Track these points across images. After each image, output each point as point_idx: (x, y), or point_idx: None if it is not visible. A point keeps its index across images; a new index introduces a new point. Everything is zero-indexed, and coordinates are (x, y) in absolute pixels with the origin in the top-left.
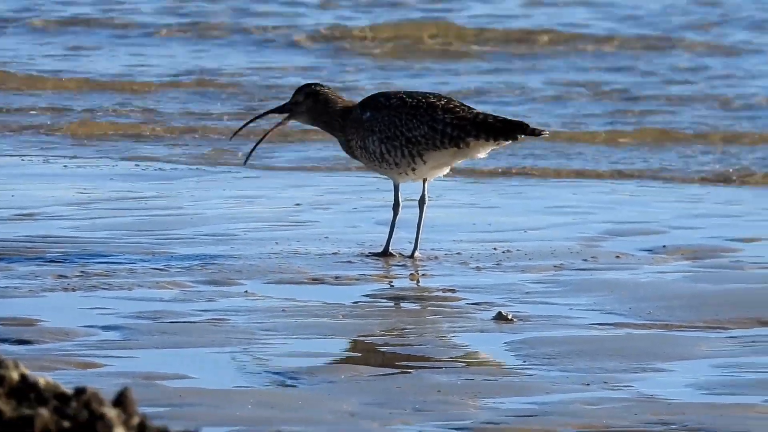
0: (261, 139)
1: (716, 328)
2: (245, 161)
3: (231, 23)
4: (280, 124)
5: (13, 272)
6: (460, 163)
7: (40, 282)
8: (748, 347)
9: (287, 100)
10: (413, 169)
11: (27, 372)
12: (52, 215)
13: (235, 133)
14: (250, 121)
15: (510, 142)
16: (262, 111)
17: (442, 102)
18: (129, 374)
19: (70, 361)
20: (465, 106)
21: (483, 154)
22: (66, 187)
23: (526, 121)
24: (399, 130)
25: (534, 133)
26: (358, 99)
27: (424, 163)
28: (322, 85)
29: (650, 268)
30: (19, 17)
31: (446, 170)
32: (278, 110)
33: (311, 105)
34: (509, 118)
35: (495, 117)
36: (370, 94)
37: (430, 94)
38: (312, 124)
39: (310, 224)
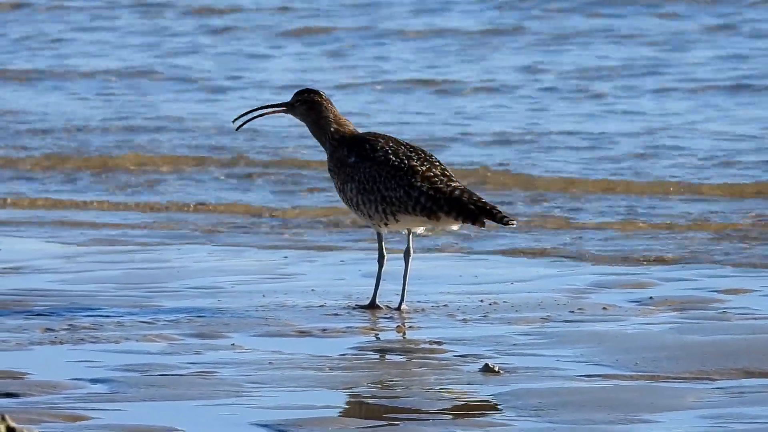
0: (257, 114)
1: (703, 379)
2: (237, 127)
3: None
4: (277, 111)
5: (1, 325)
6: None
7: (27, 335)
8: (735, 398)
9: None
10: (386, 224)
11: (14, 425)
12: (38, 268)
13: (239, 125)
14: (250, 112)
15: (477, 226)
16: (262, 105)
17: (424, 167)
18: (116, 427)
19: (58, 414)
20: (447, 174)
21: (456, 227)
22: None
23: (499, 207)
24: (377, 186)
25: (502, 221)
26: (355, 123)
27: (397, 221)
28: (320, 96)
29: (637, 319)
30: None
31: (422, 228)
32: (277, 106)
33: (304, 111)
34: (482, 201)
35: (470, 197)
36: (365, 131)
37: (417, 152)
38: (305, 123)
39: (297, 277)
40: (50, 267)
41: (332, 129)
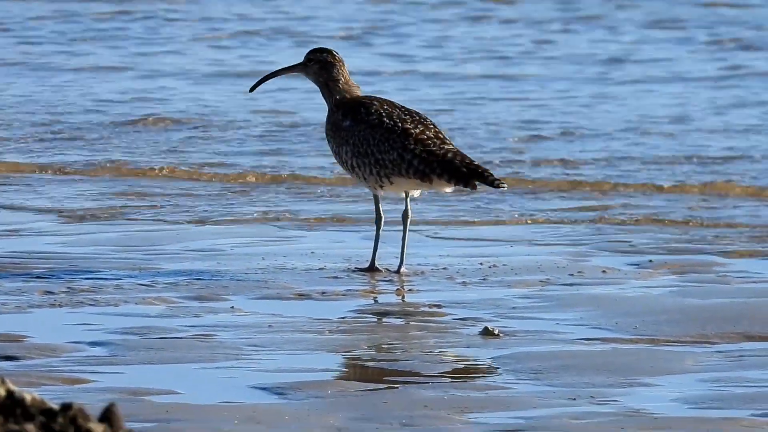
0: (271, 76)
1: (703, 342)
2: (251, 89)
3: None
4: (291, 72)
5: (0, 288)
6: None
7: (26, 298)
8: (734, 362)
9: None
10: (381, 186)
11: (14, 388)
12: (38, 231)
13: (253, 88)
14: (267, 77)
15: (469, 189)
16: (278, 68)
17: (418, 130)
18: (115, 390)
19: (57, 377)
20: (440, 137)
21: (449, 189)
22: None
23: (491, 170)
24: (370, 149)
25: (493, 184)
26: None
27: (391, 183)
28: (333, 56)
29: (636, 282)
30: None
31: (418, 191)
32: (292, 69)
33: (317, 70)
34: (474, 164)
35: (462, 159)
36: (365, 94)
37: (411, 115)
38: (315, 84)
39: (296, 239)
40: (50, 229)
41: (338, 93)
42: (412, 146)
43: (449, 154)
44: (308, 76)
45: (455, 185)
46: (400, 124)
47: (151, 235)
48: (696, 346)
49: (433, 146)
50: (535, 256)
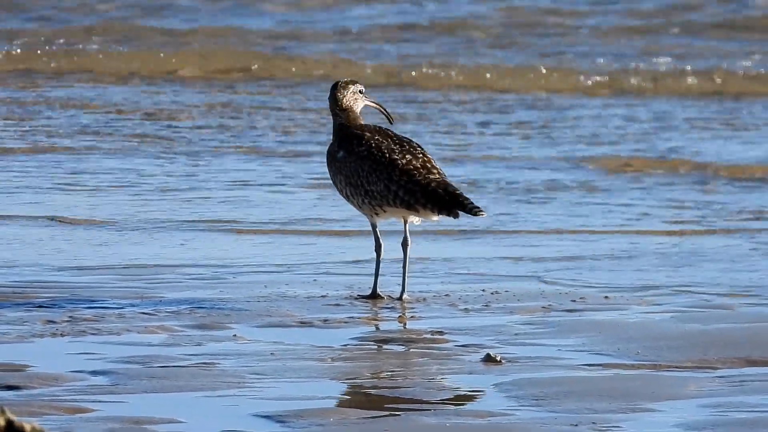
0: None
1: (704, 368)
2: None
3: None
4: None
5: (2, 318)
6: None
7: (28, 327)
8: (736, 387)
9: None
10: (376, 214)
11: (13, 418)
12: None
13: None
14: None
15: (452, 217)
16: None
17: (405, 160)
18: (118, 419)
19: (59, 407)
20: (428, 166)
21: (435, 218)
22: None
23: (471, 199)
24: (360, 181)
25: (472, 212)
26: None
27: (384, 212)
28: (345, 84)
29: (638, 308)
30: None
31: (418, 219)
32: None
33: (330, 104)
34: (457, 192)
35: (446, 188)
36: (362, 123)
37: (401, 145)
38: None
39: (299, 267)
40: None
41: (338, 122)
42: (396, 177)
43: (433, 184)
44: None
45: (439, 214)
46: (387, 155)
47: (153, 263)
48: (698, 372)
49: (418, 176)
50: (538, 283)
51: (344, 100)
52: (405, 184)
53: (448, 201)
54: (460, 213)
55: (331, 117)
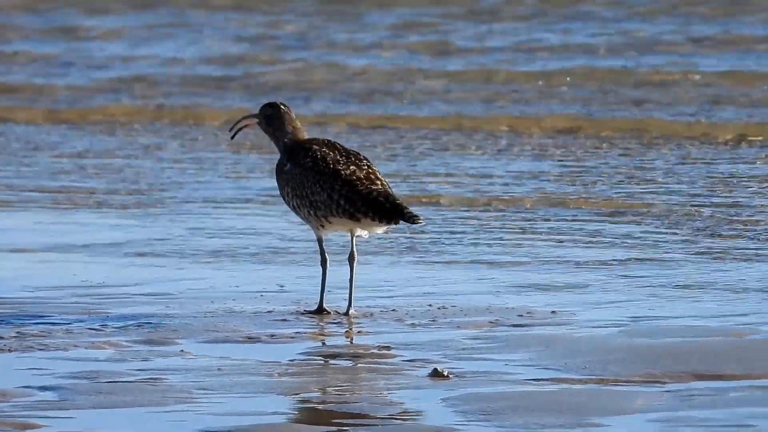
0: (241, 121)
1: (652, 382)
2: (232, 137)
3: None
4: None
5: None
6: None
7: None
8: (685, 401)
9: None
10: (322, 226)
11: None
12: None
13: (233, 135)
14: (239, 122)
15: (392, 225)
16: (248, 114)
17: (348, 171)
18: None
19: (7, 422)
20: (371, 177)
21: (378, 230)
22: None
23: (408, 207)
24: (305, 191)
25: (410, 220)
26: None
27: (330, 223)
28: (279, 109)
29: (585, 322)
30: None
31: (364, 231)
32: (251, 116)
33: (264, 126)
34: (397, 202)
35: (386, 198)
36: (309, 137)
37: (348, 156)
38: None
39: (245, 283)
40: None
41: (284, 138)
42: (338, 187)
43: (374, 193)
44: (261, 128)
45: (380, 222)
46: (332, 166)
47: (100, 278)
48: (646, 386)
49: (360, 186)
50: (485, 297)
51: (290, 125)
52: (347, 194)
53: (389, 209)
54: (400, 221)
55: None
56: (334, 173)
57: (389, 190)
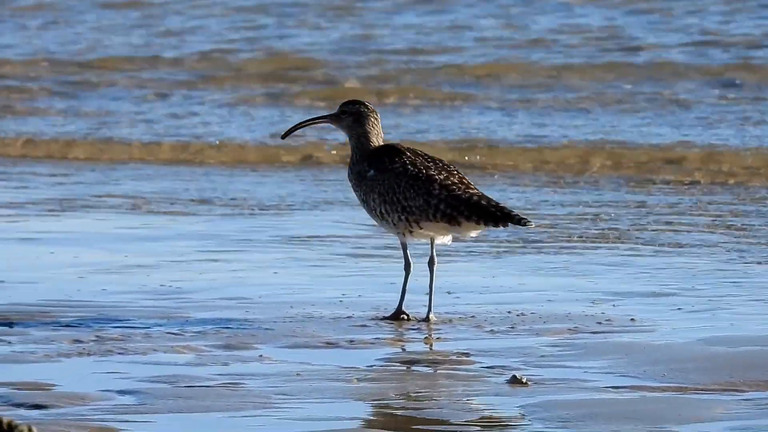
0: (303, 125)
1: (731, 390)
2: (284, 136)
3: None
4: (323, 122)
5: (28, 337)
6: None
7: (55, 347)
8: (764, 409)
9: (335, 110)
10: (411, 232)
11: None
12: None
13: (285, 135)
14: (299, 126)
15: (500, 227)
16: (313, 116)
17: (442, 176)
18: None
19: (86, 426)
20: (464, 182)
21: (474, 233)
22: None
23: (516, 210)
24: (396, 197)
25: (520, 222)
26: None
27: (421, 228)
28: (369, 109)
29: (664, 330)
30: None
31: (448, 236)
32: (325, 118)
33: (350, 123)
34: (501, 206)
35: (488, 201)
36: (386, 143)
37: (434, 162)
38: (347, 135)
39: (325, 288)
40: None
41: (370, 144)
42: (436, 192)
43: (474, 197)
44: (341, 128)
45: (485, 225)
46: (424, 171)
47: (179, 284)
48: (724, 394)
49: (458, 191)
50: (564, 304)
51: (377, 129)
52: (446, 198)
53: (493, 212)
54: (509, 224)
55: (346, 134)
56: (428, 178)
57: (485, 195)
